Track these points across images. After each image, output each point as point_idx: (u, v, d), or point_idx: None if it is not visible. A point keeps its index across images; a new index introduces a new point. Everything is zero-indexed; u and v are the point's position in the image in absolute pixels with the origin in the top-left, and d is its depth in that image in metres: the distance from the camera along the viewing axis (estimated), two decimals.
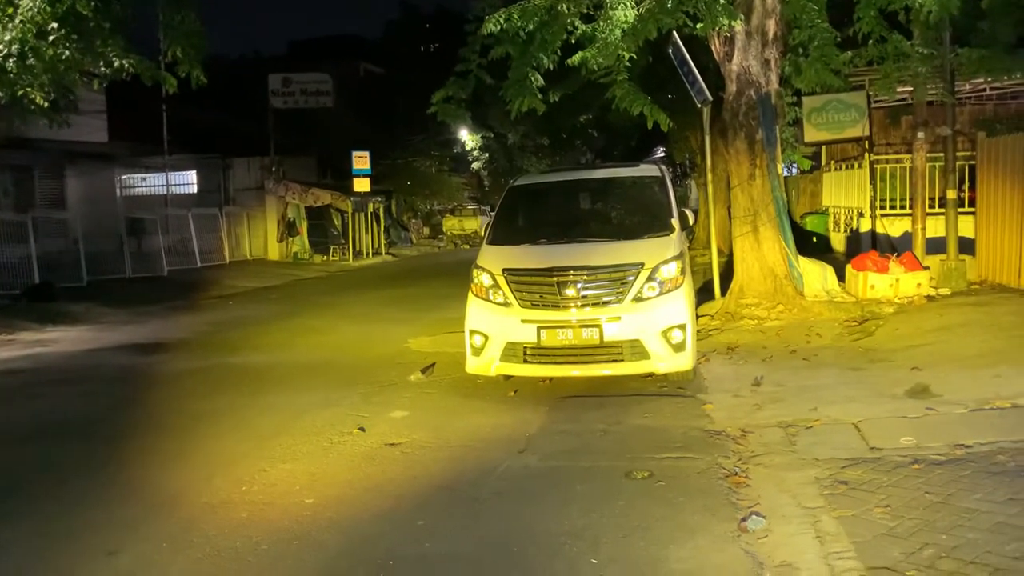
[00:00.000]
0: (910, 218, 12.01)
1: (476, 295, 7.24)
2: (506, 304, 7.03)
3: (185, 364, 9.57)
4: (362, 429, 6.24)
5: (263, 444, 5.99)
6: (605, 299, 6.89)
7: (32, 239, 17.12)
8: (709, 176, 10.80)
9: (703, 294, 11.18)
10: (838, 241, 16.28)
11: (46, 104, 10.26)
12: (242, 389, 7.93)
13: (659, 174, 8.30)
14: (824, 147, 16.94)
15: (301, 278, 21.25)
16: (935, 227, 11.52)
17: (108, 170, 23.39)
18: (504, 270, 7.14)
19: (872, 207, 13.92)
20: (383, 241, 29.23)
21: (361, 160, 25.34)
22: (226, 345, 10.73)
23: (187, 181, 26.81)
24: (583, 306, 6.87)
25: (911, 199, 12.07)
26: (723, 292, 10.56)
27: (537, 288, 7.01)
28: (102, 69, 10.57)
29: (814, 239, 16.45)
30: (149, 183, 26.16)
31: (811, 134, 13.28)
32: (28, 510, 4.86)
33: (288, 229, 25.72)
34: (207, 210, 23.79)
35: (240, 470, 5.39)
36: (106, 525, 4.52)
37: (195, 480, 5.25)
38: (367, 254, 27.48)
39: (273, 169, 25.92)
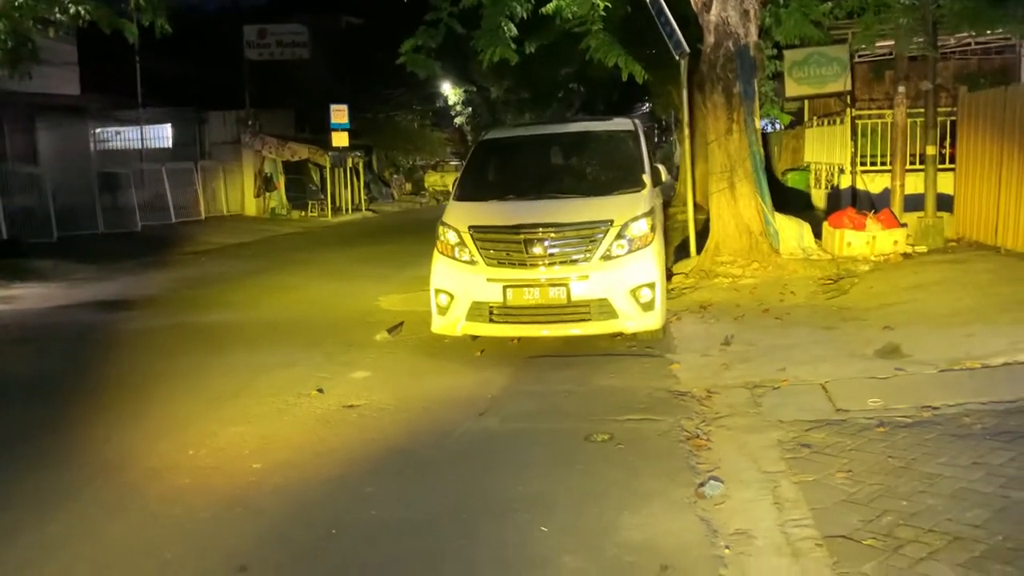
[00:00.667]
0: (890, 175, 11.85)
1: (442, 253, 7.05)
2: (472, 262, 6.85)
3: (150, 322, 9.37)
4: (320, 390, 6.08)
5: (217, 406, 5.83)
6: (573, 257, 6.72)
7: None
8: (686, 131, 10.58)
9: (681, 251, 11.05)
10: (819, 198, 16.13)
11: None
12: (206, 348, 7.75)
13: (632, 128, 8.07)
14: (807, 102, 16.70)
15: (277, 234, 20.96)
16: (915, 184, 11.37)
17: (81, 123, 22.81)
18: (470, 227, 6.94)
19: (853, 163, 13.75)
20: (363, 197, 28.85)
21: (339, 114, 24.86)
22: (195, 303, 10.53)
23: (162, 135, 26.23)
24: (551, 264, 6.70)
25: (892, 155, 11.90)
26: (700, 250, 10.41)
27: (504, 246, 6.82)
28: (58, 16, 10.17)
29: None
30: (123, 137, 25.56)
31: (792, 88, 13.03)
32: None
33: (265, 184, 25.32)
34: (182, 164, 23.31)
35: (190, 433, 5.23)
36: (44, 490, 4.36)
37: (142, 443, 5.09)
38: (346, 210, 27.13)
39: (250, 123, 25.40)
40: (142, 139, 25.27)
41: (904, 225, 10.44)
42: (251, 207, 25.27)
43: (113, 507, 4.13)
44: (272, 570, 3.48)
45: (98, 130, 24.62)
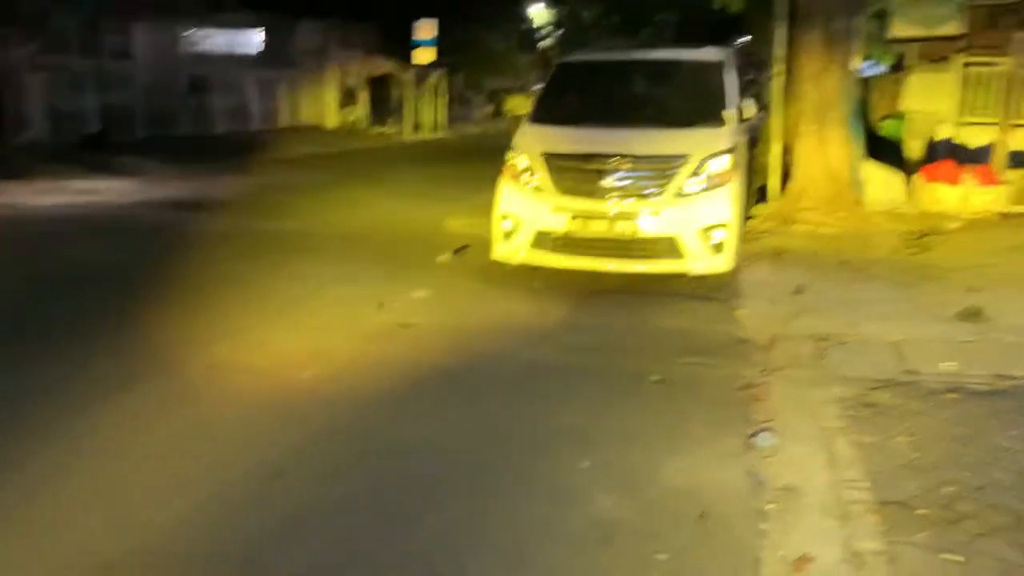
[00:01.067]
0: (995, 128, 11.09)
1: (509, 177, 6.89)
2: (540, 189, 6.68)
3: (222, 225, 9.53)
4: (379, 306, 6.07)
5: (278, 313, 5.91)
6: (645, 191, 6.48)
7: (91, 89, 17.13)
8: (779, 67, 10.04)
9: (762, 195, 10.62)
10: (915, 149, 15.27)
11: None
12: (271, 255, 7.85)
13: (722, 60, 7.68)
14: (914, 45, 15.67)
15: (354, 148, 21.04)
16: (1023, 140, 10.60)
17: (174, 24, 23.06)
18: (542, 153, 6.75)
19: (955, 114, 12.91)
20: (443, 116, 28.66)
21: (425, 30, 24.55)
22: (266, 209, 10.65)
23: (250, 41, 26.34)
24: (621, 197, 6.48)
25: (1000, 108, 11.11)
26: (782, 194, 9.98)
27: (574, 174, 6.62)
28: None
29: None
30: (213, 40, 25.76)
31: (899, 29, 12.19)
32: (31, 355, 4.87)
33: (346, 97, 25.35)
34: (268, 72, 23.46)
35: (248, 336, 5.33)
36: (101, 380, 4.48)
37: (202, 342, 5.18)
38: (425, 129, 27.03)
39: (336, 34, 25.30)
40: (232, 44, 25.43)
41: (1004, 183, 9.80)
42: (331, 119, 25.39)
43: (165, 402, 4.22)
44: (310, 478, 3.50)
45: (190, 32, 24.86)
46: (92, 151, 15.35)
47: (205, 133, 20.04)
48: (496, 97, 37.39)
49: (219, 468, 3.56)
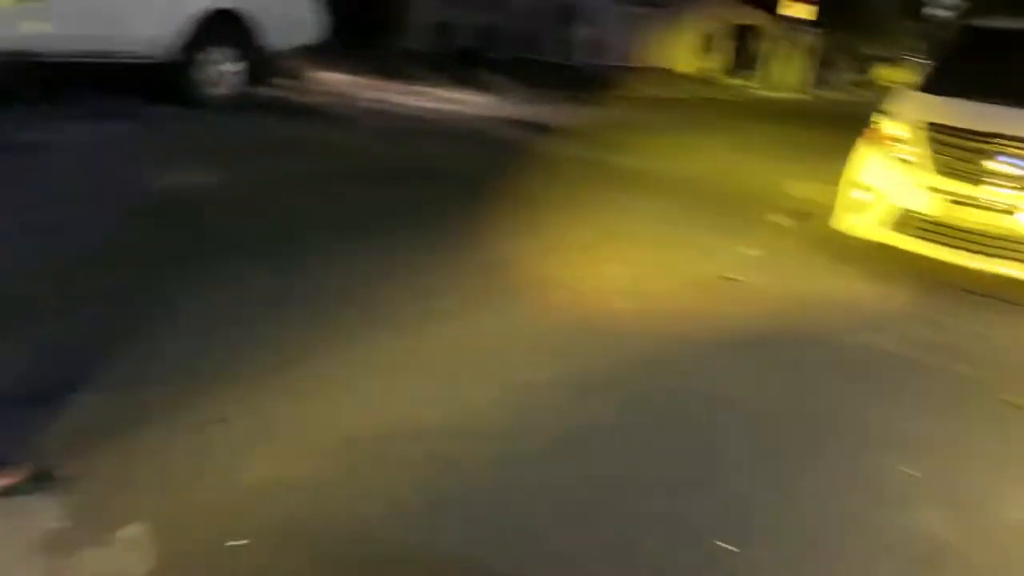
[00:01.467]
0: None
1: (874, 145, 6.21)
2: (912, 163, 5.94)
3: (565, 151, 9.75)
4: (705, 255, 5.87)
5: (603, 240, 5.93)
6: None
7: (470, 7, 18.34)
8: None
9: None
10: None
11: None
12: (606, 186, 7.89)
13: None
14: None
15: (705, 97, 20.58)
16: None
17: None
18: (927, 123, 5.98)
19: None
20: (804, 77, 26.98)
21: None
22: (609, 142, 10.73)
23: None
24: (1008, 188, 5.58)
25: None
26: None
27: (959, 153, 5.79)
28: None
29: None
30: None
31: None
32: (377, 236, 5.22)
33: (705, 44, 24.74)
34: (633, 9, 23.51)
35: (572, 255, 5.43)
36: (434, 274, 4.70)
37: (529, 252, 5.33)
38: (782, 87, 25.65)
39: None
40: None
41: None
42: (684, 64, 24.96)
43: (483, 300, 4.38)
44: (613, 403, 3.44)
45: None
46: (462, 65, 16.47)
47: (564, 62, 20.59)
48: (866, 64, 34.43)
49: (528, 368, 3.64)
